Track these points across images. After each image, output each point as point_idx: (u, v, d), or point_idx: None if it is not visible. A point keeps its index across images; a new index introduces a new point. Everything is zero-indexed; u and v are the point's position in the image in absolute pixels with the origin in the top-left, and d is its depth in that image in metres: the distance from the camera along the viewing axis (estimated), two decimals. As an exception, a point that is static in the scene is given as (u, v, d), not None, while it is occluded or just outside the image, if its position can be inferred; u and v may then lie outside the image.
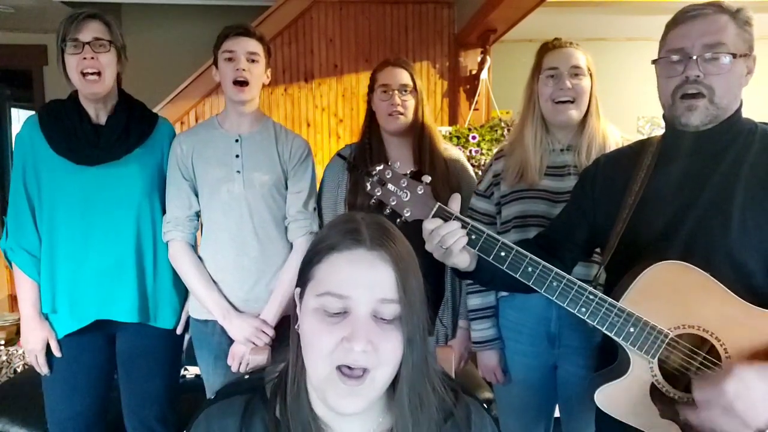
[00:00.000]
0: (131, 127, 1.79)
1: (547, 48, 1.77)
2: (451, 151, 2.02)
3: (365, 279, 0.83)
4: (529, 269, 1.19)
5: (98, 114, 1.78)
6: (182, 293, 1.93)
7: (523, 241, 1.45)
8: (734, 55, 1.17)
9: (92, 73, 1.69)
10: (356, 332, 0.81)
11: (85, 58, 1.68)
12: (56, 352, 1.78)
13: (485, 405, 1.00)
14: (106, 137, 1.75)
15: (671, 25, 1.24)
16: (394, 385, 0.87)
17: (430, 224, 1.19)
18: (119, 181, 1.77)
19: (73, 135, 1.74)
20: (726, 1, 1.21)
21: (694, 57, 1.18)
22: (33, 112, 1.89)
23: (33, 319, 1.77)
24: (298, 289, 0.91)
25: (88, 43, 1.68)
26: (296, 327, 0.90)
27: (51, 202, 1.75)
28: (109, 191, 1.76)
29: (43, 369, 1.80)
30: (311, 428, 0.88)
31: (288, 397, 0.89)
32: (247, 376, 1.00)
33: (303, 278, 0.90)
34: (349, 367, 0.82)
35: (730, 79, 1.18)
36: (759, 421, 1.05)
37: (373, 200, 1.23)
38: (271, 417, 0.90)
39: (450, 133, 3.55)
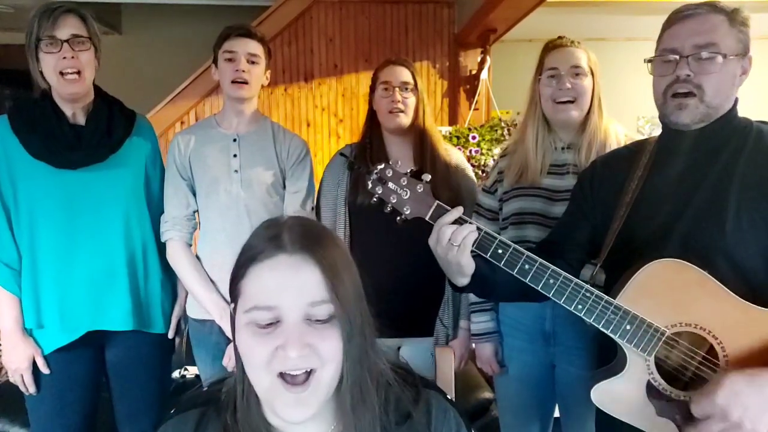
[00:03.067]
0: (112, 127, 1.70)
1: (548, 48, 1.77)
2: (452, 153, 2.03)
3: (290, 285, 0.81)
4: (526, 266, 1.19)
5: (75, 114, 1.68)
6: (171, 296, 1.89)
7: (526, 248, 1.46)
8: (725, 55, 1.17)
9: (72, 73, 1.60)
10: (289, 339, 0.79)
11: (65, 58, 1.58)
12: (44, 369, 1.67)
13: (449, 397, 0.98)
14: (87, 139, 1.65)
15: (665, 25, 1.26)
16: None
17: (449, 217, 1.18)
18: (103, 183, 1.69)
19: (52, 137, 1.62)
20: (723, 0, 1.21)
21: (685, 56, 1.19)
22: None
23: (15, 336, 1.65)
24: (232, 305, 0.88)
25: (66, 40, 1.58)
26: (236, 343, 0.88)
27: (30, 210, 1.64)
28: (94, 195, 1.67)
29: (30, 388, 1.68)
30: None
31: (238, 411, 0.88)
32: (205, 388, 0.98)
33: (232, 295, 0.87)
34: (291, 375, 0.81)
35: (721, 78, 1.19)
36: (758, 426, 1.05)
37: (374, 199, 1.23)
38: (225, 427, 0.88)
39: (450, 133, 3.56)
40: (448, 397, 0.98)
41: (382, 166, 1.22)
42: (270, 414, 0.88)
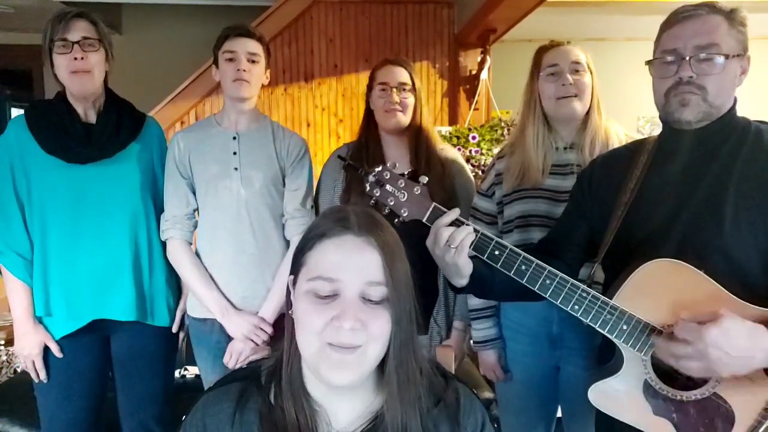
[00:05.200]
0: (121, 125, 1.79)
1: (544, 49, 1.77)
2: (449, 152, 2.02)
3: (353, 263, 0.88)
4: (523, 267, 1.20)
5: (87, 112, 1.77)
6: (176, 290, 1.93)
7: (526, 248, 1.46)
8: (726, 56, 1.18)
9: (82, 72, 1.69)
10: (345, 312, 0.86)
11: (75, 58, 1.67)
12: (57, 353, 1.75)
13: (475, 391, 1.02)
14: (97, 135, 1.74)
15: (665, 26, 1.25)
16: (383, 367, 0.92)
17: (446, 218, 1.19)
18: (111, 178, 1.76)
19: (64, 133, 1.72)
20: (722, 1, 1.21)
21: (687, 58, 1.18)
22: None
23: (27, 323, 1.74)
24: (291, 277, 0.95)
25: (77, 42, 1.68)
26: (290, 312, 0.95)
27: (41, 202, 1.73)
28: (102, 189, 1.75)
29: (41, 374, 1.76)
30: (304, 408, 0.92)
31: (282, 379, 0.94)
32: (244, 365, 1.05)
33: (296, 265, 0.94)
34: (340, 346, 0.87)
35: (723, 79, 1.19)
36: (723, 371, 1.08)
37: (372, 201, 1.24)
38: (264, 401, 0.94)
39: (450, 133, 3.55)
40: (474, 390, 1.03)
41: (380, 168, 1.23)
42: (311, 385, 0.94)
